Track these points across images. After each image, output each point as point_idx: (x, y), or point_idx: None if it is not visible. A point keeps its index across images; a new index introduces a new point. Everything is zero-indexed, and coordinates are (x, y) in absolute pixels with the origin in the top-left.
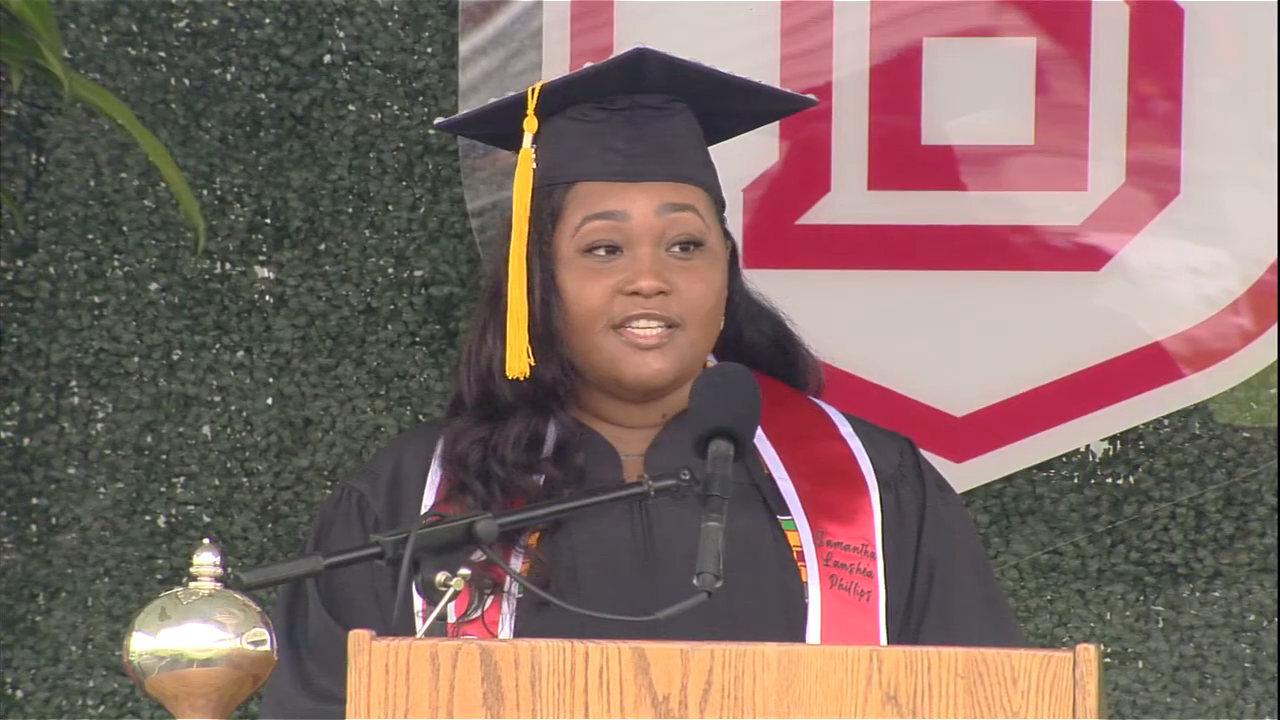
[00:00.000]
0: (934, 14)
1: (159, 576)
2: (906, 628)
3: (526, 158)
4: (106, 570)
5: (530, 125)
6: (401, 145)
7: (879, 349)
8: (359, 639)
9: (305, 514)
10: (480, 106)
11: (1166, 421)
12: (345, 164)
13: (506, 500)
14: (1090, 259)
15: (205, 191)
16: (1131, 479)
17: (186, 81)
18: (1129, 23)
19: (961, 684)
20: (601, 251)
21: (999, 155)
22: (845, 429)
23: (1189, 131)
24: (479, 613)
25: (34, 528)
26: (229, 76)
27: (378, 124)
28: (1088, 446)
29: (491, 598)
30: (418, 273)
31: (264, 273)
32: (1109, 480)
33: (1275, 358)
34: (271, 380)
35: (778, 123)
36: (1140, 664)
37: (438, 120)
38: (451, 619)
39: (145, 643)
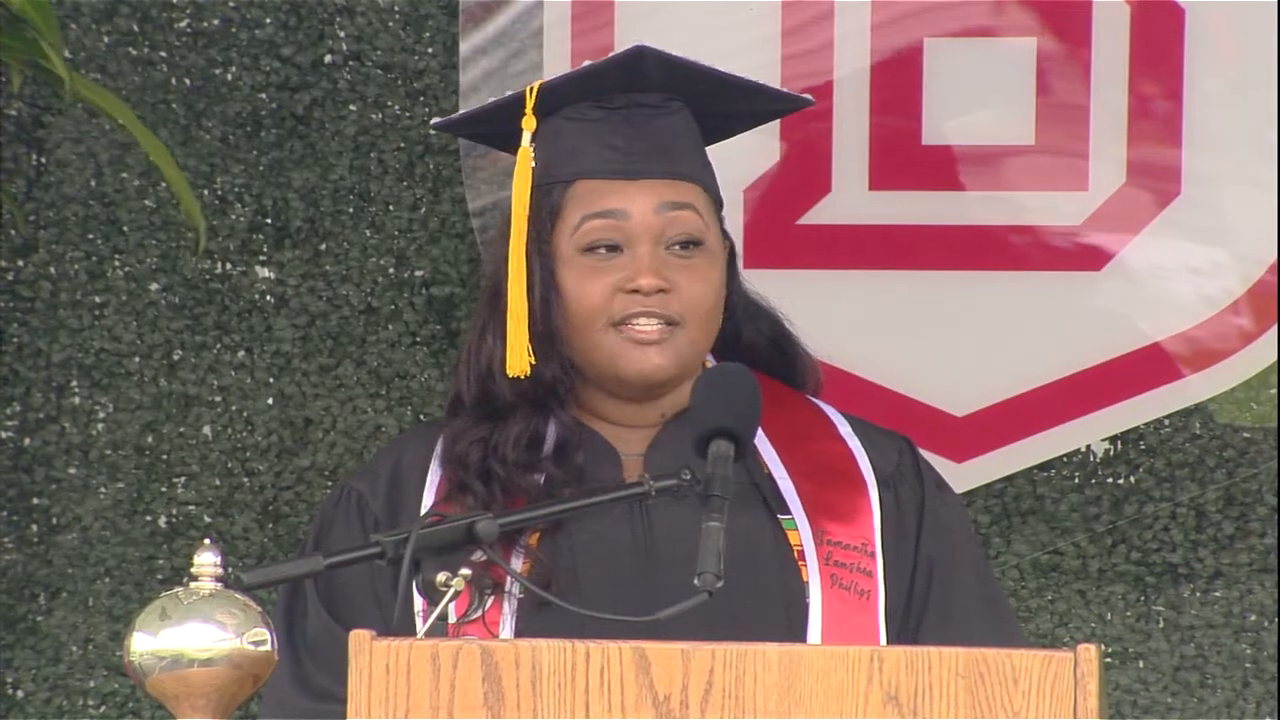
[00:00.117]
0: (935, 14)
1: (160, 576)
2: (906, 627)
3: (525, 156)
4: (107, 570)
5: (529, 124)
6: (402, 145)
7: (880, 349)
8: (360, 639)
9: (306, 514)
10: (478, 106)
11: (1167, 421)
12: (346, 164)
13: (507, 500)
14: (1091, 259)
15: (206, 191)
16: (1132, 479)
17: (187, 81)
18: (1130, 23)
19: (962, 684)
20: (602, 250)
21: (999, 155)
22: (844, 428)
23: (1189, 132)
24: (479, 613)
25: (35, 528)
26: (230, 76)
27: (378, 124)
28: (1088, 446)
29: (492, 598)
30: (418, 273)
31: (265, 273)
32: (1110, 480)
33: (1275, 358)
34: (272, 380)
35: (778, 123)
36: (1141, 664)
37: (434, 120)
38: (452, 619)
39: (146, 643)
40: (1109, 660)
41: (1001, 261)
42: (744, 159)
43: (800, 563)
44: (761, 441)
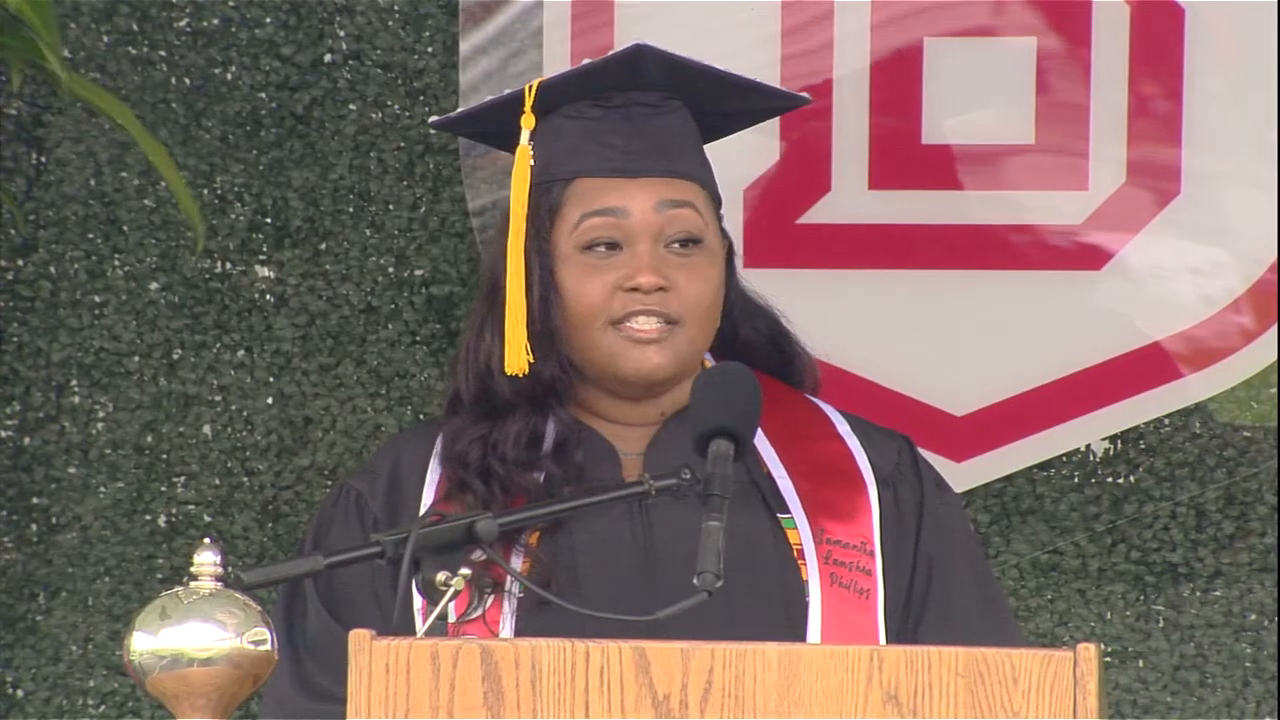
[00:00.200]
0: (934, 13)
1: (159, 576)
2: (905, 626)
3: (524, 154)
4: (107, 569)
5: (528, 122)
6: (402, 144)
7: (879, 348)
8: (359, 638)
9: (306, 513)
10: (477, 104)
11: (1167, 421)
12: (346, 163)
13: (506, 498)
14: (1091, 258)
15: (206, 191)
16: (1132, 478)
17: (187, 81)
18: (1130, 22)
19: (962, 683)
20: (601, 248)
21: (999, 155)
22: (843, 427)
23: (1189, 131)
24: (479, 612)
25: (34, 527)
26: (229, 76)
27: (378, 123)
28: (1088, 446)
29: (492, 597)
30: (418, 272)
31: (264, 272)
32: (1109, 480)
33: (1275, 357)
34: (272, 379)
35: (778, 123)
36: (1141, 663)
37: (433, 119)
38: (452, 618)
39: (146, 642)
40: (1109, 659)
41: (1001, 261)
42: (744, 158)
43: (800, 562)
44: (760, 440)
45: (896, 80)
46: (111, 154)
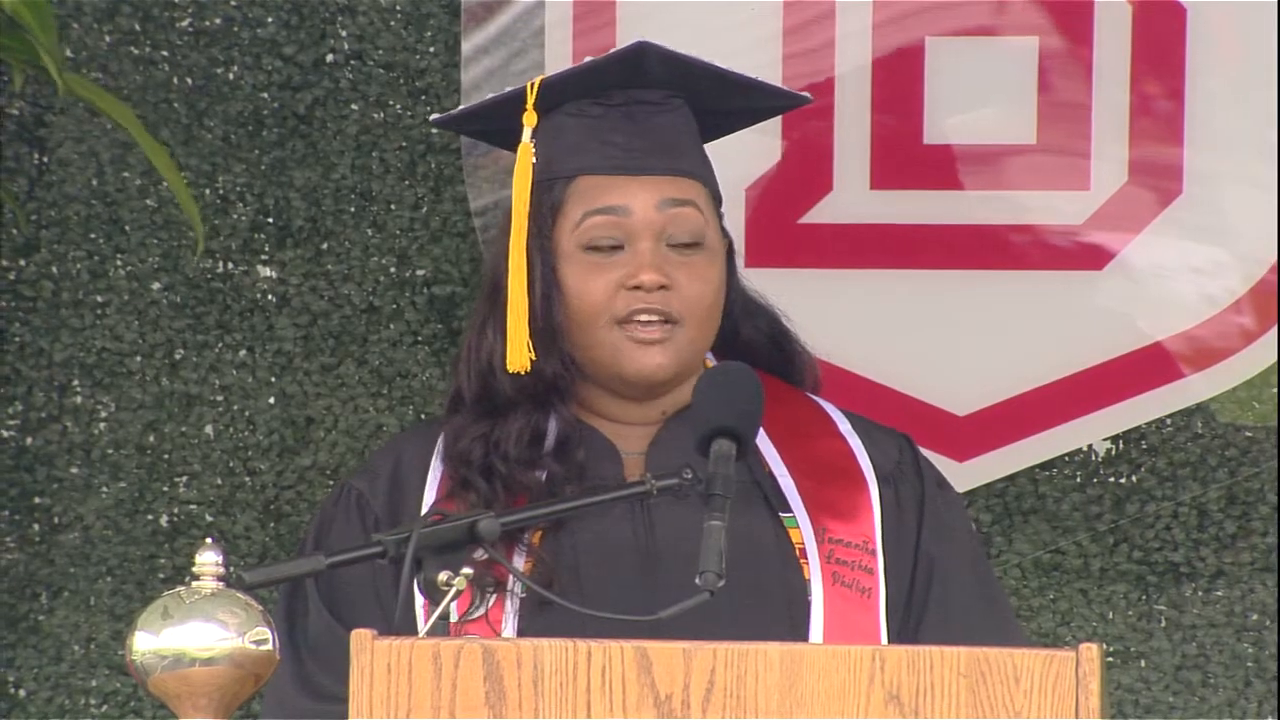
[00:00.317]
0: (936, 13)
1: (161, 576)
2: (906, 625)
3: (526, 152)
4: (109, 569)
5: (530, 120)
6: (404, 144)
7: (881, 348)
8: (361, 638)
9: (308, 513)
10: (478, 102)
11: (1169, 421)
12: (348, 163)
13: (509, 497)
14: (1092, 258)
15: (208, 191)
16: (1134, 478)
17: (189, 80)
18: (1131, 22)
19: (964, 683)
20: (603, 246)
21: (1001, 154)
22: (844, 426)
23: (1191, 131)
24: (481, 611)
25: (36, 527)
26: (231, 75)
27: (380, 123)
28: (1090, 446)
29: (494, 596)
30: (420, 272)
31: (266, 272)
32: (1111, 479)
33: (1277, 357)
34: (274, 379)
35: (779, 122)
36: (1143, 663)
37: (434, 116)
38: (454, 618)
39: (148, 642)
40: (1111, 659)
41: (1003, 261)
42: (745, 158)
43: (802, 561)
44: (762, 439)
45: (898, 80)
46: (113, 154)
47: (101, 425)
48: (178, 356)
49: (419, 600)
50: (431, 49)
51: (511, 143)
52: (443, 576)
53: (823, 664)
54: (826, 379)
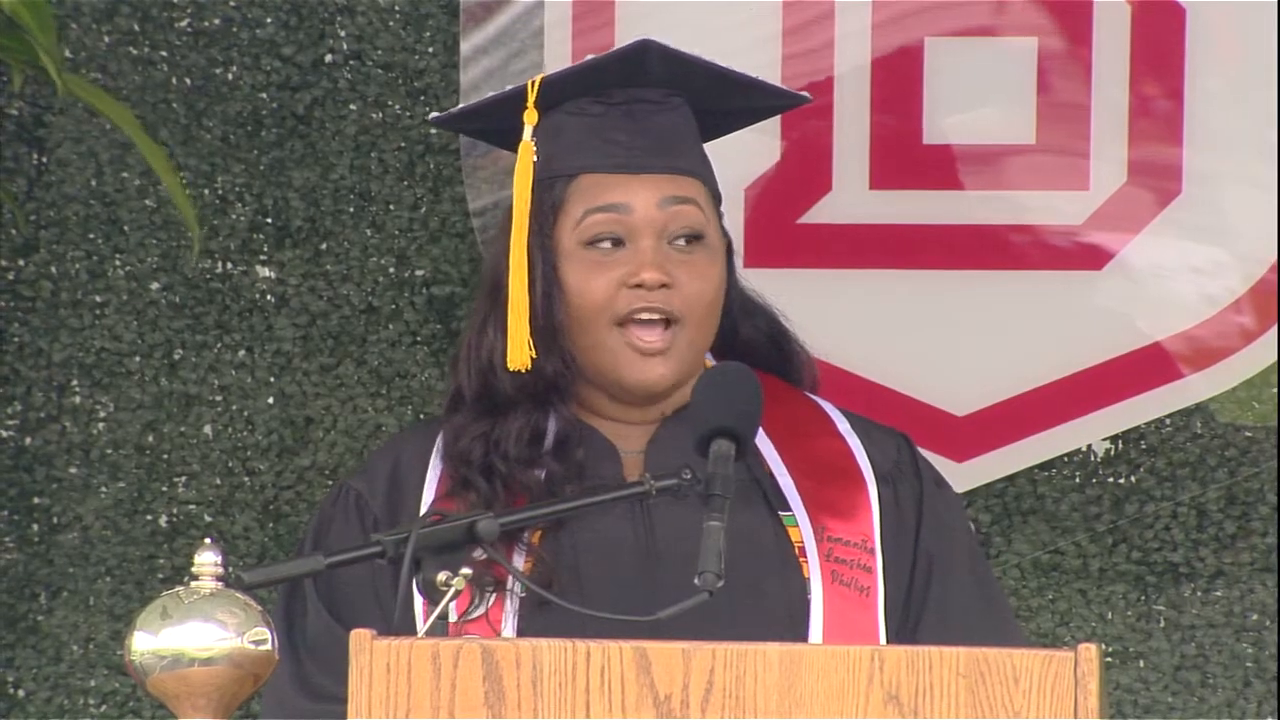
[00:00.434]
0: (935, 13)
1: (160, 576)
2: (905, 624)
3: (527, 150)
4: (108, 569)
5: (531, 118)
6: (403, 145)
7: (880, 348)
8: (360, 638)
9: (306, 513)
10: (477, 100)
11: (1168, 421)
12: (346, 163)
13: (509, 496)
14: (1091, 258)
15: (207, 191)
16: (1133, 478)
17: (188, 81)
18: (1131, 22)
19: (963, 683)
20: (605, 244)
21: (1000, 154)
22: (842, 425)
23: (1190, 131)
24: (481, 611)
25: (35, 527)
26: (230, 76)
27: (379, 123)
28: (1089, 446)
29: (494, 596)
30: (419, 272)
31: (265, 272)
32: (1110, 480)
33: (1276, 357)
34: (273, 379)
35: (779, 122)
36: (1142, 663)
37: (433, 115)
38: (453, 618)
39: (147, 642)
40: (1110, 659)
41: (1002, 261)
42: (744, 158)
43: (801, 560)
44: (761, 438)
45: (897, 80)
46: (112, 154)
47: (100, 425)
48: (176, 356)
49: (418, 600)
50: (430, 49)
51: (510, 142)
52: (441, 577)
53: (822, 664)
54: (826, 379)
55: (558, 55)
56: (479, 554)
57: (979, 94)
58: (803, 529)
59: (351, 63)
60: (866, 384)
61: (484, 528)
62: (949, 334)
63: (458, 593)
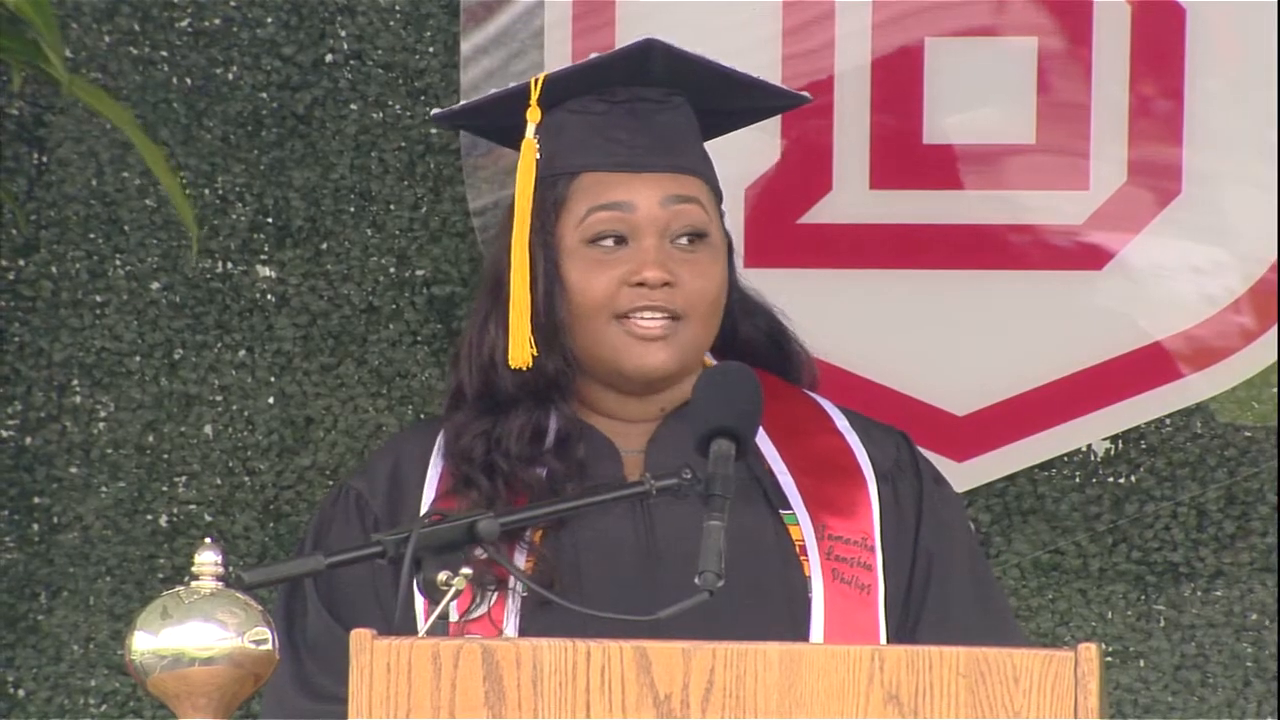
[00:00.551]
0: (935, 13)
1: (161, 575)
2: (905, 622)
3: (530, 148)
4: (108, 569)
5: (533, 116)
6: (403, 144)
7: (880, 348)
8: (361, 638)
9: (307, 513)
10: (479, 97)
11: (1168, 421)
12: (347, 163)
13: (510, 494)
14: (1091, 258)
15: (207, 191)
16: (1133, 478)
17: (188, 81)
18: (1131, 22)
19: (963, 683)
20: (608, 242)
21: (1000, 154)
22: (841, 423)
23: (1190, 131)
24: (483, 610)
25: (36, 527)
26: (231, 76)
27: (379, 123)
28: (1089, 446)
29: (496, 595)
30: (419, 272)
31: (266, 272)
32: (1110, 479)
33: (1276, 357)
34: (273, 379)
35: (779, 122)
36: (1142, 663)
37: (434, 111)
38: (454, 618)
39: (147, 642)
40: (1110, 659)
41: (1002, 261)
42: (745, 158)
43: (802, 558)
44: (761, 436)
45: (898, 80)
46: (113, 154)
47: (101, 425)
48: (177, 356)
49: (419, 600)
50: (431, 49)
51: (510, 140)
52: (442, 576)
53: (822, 664)
54: (826, 379)
55: (558, 55)
56: (481, 553)
57: (979, 94)
58: (803, 527)
59: (352, 62)
60: (866, 384)
61: (484, 527)
62: (949, 334)
63: (458, 592)
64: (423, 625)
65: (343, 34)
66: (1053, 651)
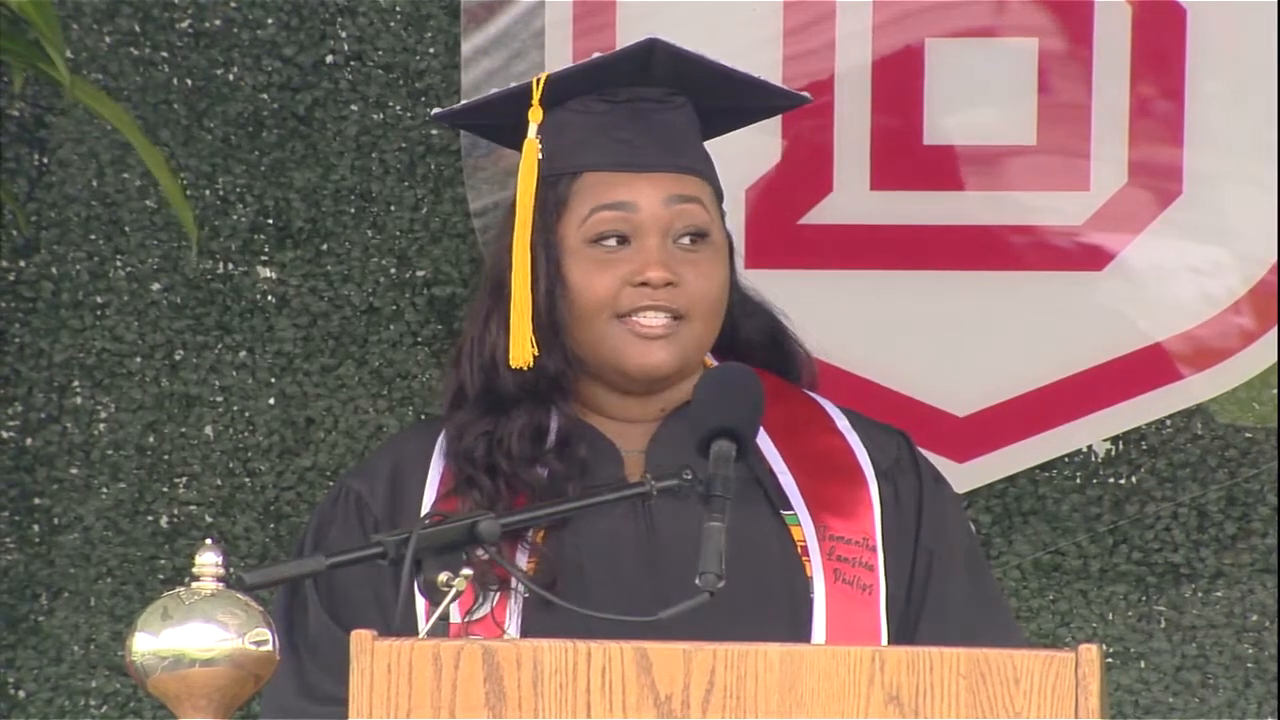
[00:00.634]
0: (936, 14)
1: (161, 576)
2: (905, 623)
3: (532, 147)
4: (109, 570)
5: (535, 115)
6: (404, 145)
7: (881, 349)
8: (361, 639)
9: (307, 514)
10: (480, 97)
11: (1168, 422)
12: (347, 164)
13: (511, 494)
14: (1092, 259)
15: (208, 191)
16: (1133, 479)
17: (189, 82)
18: (1131, 23)
19: (964, 684)
20: (612, 241)
21: (1001, 155)
22: (842, 422)
23: (1191, 131)
24: (485, 610)
25: (36, 528)
26: (231, 77)
27: (380, 124)
28: (1090, 446)
29: (498, 595)
30: (420, 273)
31: (266, 273)
32: (1111, 480)
33: (1276, 358)
34: (274, 380)
35: (779, 123)
36: (1142, 664)
37: (435, 111)
38: (455, 618)
39: (147, 643)
40: (1110, 660)
41: (1003, 261)
42: (745, 158)
43: (804, 558)
44: (761, 436)
45: (898, 80)
46: (113, 155)
47: (101, 426)
48: (177, 357)
49: (419, 601)
50: (431, 50)
51: (511, 139)
52: (443, 577)
53: (822, 665)
54: (826, 379)
55: (559, 56)
56: (482, 553)
57: (980, 94)
58: (805, 528)
59: (352, 63)
60: (867, 384)
61: (486, 528)
62: (950, 334)
63: (459, 593)
64: (423, 626)
65: (343, 35)
66: (1053, 652)
